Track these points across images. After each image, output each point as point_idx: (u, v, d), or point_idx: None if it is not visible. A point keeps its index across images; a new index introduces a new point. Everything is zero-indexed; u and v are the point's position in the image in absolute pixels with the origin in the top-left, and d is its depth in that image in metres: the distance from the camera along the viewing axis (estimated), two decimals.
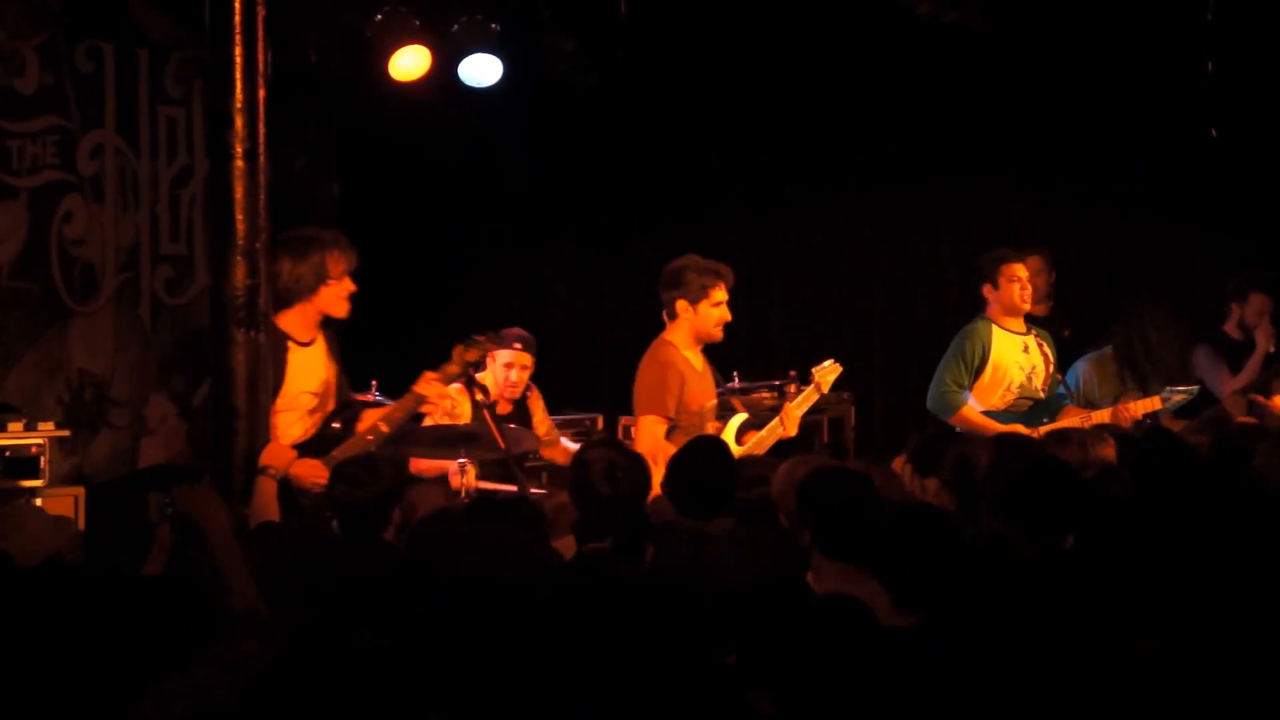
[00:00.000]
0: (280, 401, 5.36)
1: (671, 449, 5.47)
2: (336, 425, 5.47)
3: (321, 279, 5.38)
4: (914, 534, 3.62)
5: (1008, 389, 6.29)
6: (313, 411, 5.45)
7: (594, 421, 7.58)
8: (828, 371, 6.13)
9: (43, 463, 6.18)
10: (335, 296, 5.42)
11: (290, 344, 5.40)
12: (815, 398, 6.12)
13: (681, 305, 5.92)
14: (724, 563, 3.48)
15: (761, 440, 5.98)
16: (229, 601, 3.54)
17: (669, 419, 5.83)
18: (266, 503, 4.75)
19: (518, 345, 6.28)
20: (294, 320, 5.43)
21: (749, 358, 7.39)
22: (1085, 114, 7.55)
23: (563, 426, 6.96)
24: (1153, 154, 7.47)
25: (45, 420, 6.42)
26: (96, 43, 7.08)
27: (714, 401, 6.03)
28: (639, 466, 4.30)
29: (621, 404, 7.81)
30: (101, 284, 7.17)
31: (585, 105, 7.83)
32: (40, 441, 6.22)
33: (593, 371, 8.43)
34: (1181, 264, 7.78)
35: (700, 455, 4.43)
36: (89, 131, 7.07)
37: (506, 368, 6.27)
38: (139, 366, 7.31)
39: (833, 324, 7.92)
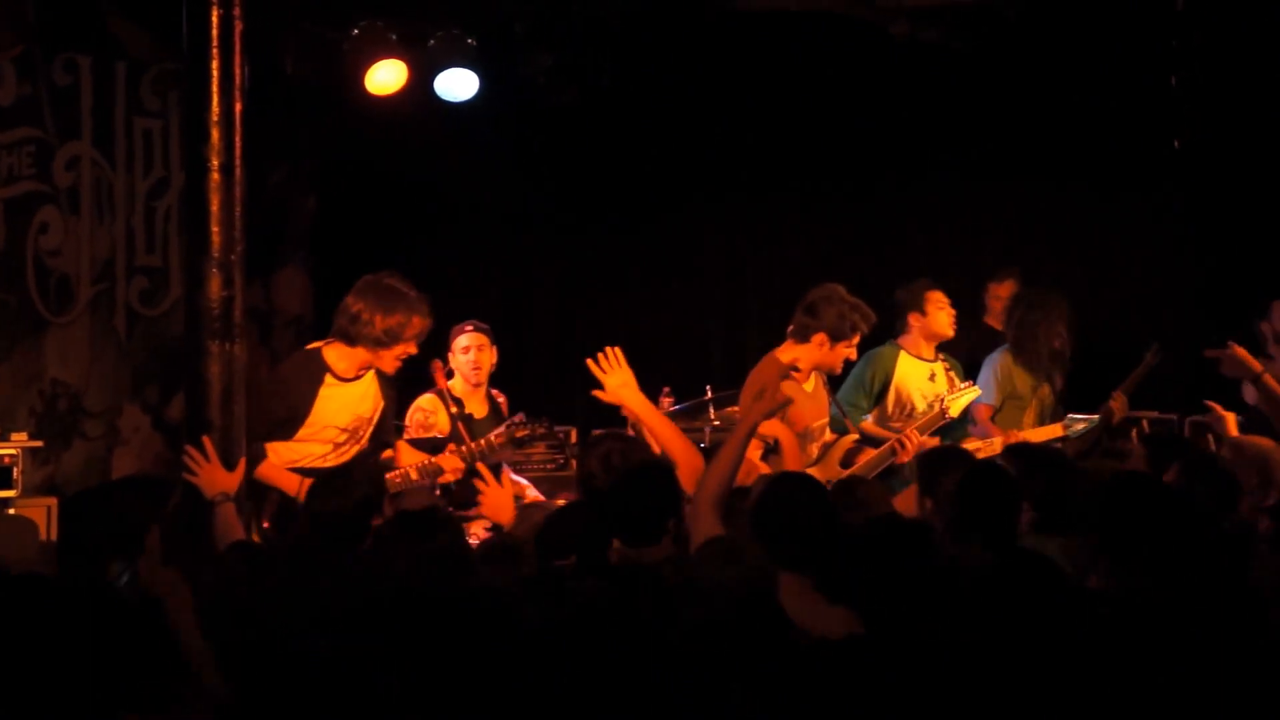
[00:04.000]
0: (304, 431, 5.34)
1: (765, 469, 5.47)
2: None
3: (397, 339, 5.37)
4: (877, 549, 3.64)
5: (909, 415, 6.40)
6: (339, 445, 5.43)
7: (567, 434, 7.59)
8: (961, 395, 6.12)
9: (16, 473, 6.19)
10: (396, 357, 5.42)
11: (328, 377, 5.39)
12: (941, 421, 6.07)
13: (819, 339, 5.89)
14: (702, 574, 3.48)
15: (872, 463, 5.92)
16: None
17: (768, 442, 5.76)
18: (230, 525, 4.74)
19: (470, 328, 6.26)
20: (344, 356, 5.41)
21: (725, 370, 7.41)
22: (1060, 131, 7.62)
23: (538, 439, 6.97)
24: (1124, 170, 7.54)
25: (19, 431, 6.43)
26: (73, 55, 7.09)
27: (822, 422, 6.00)
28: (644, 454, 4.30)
29: (597, 417, 7.84)
30: (76, 295, 7.17)
31: (562, 119, 7.86)
32: (13, 452, 6.23)
33: (568, 385, 8.44)
34: (1154, 278, 7.86)
35: (642, 482, 4.27)
36: (65, 143, 7.08)
37: (465, 351, 6.26)
38: (113, 377, 7.31)
39: None
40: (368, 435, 5.49)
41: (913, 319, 6.48)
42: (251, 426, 5.19)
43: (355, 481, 4.33)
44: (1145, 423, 6.64)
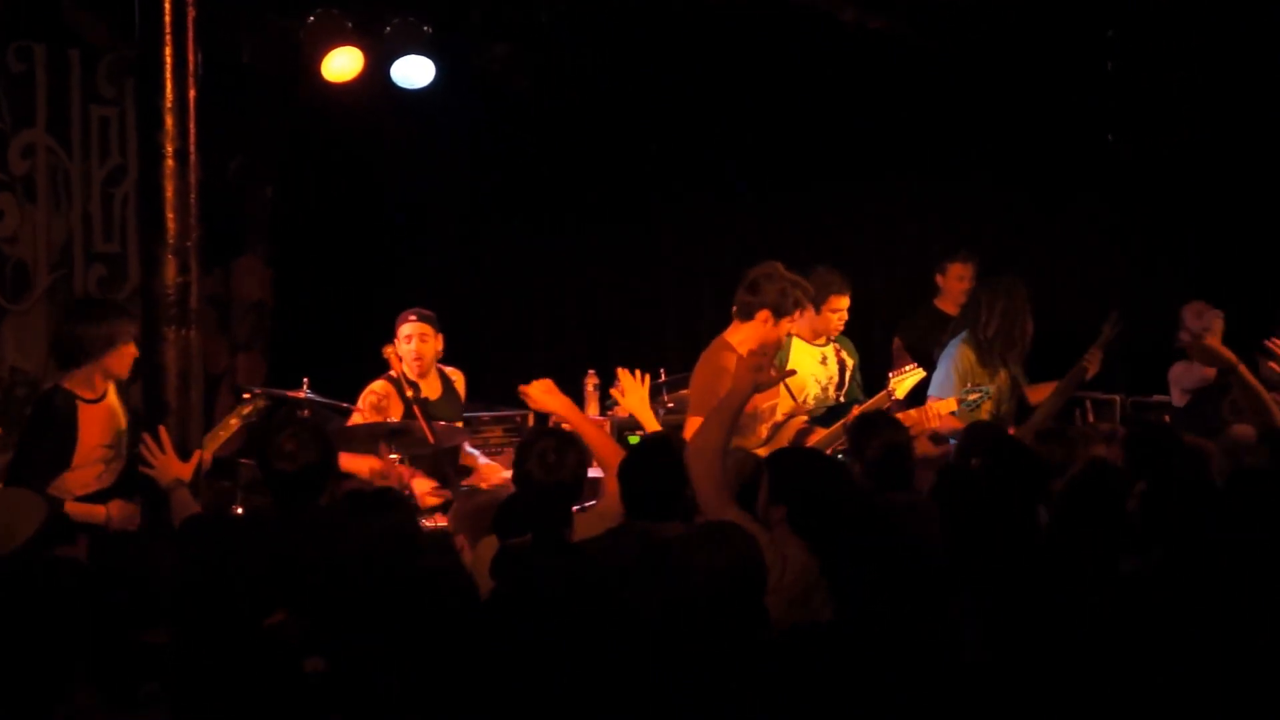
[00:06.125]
0: (77, 459, 5.42)
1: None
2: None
3: (111, 344, 5.46)
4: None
5: (804, 401, 6.41)
6: (109, 461, 5.53)
7: (524, 419, 7.65)
8: (906, 377, 6.12)
9: None
10: (122, 358, 5.50)
11: (79, 402, 5.47)
12: (887, 404, 6.06)
13: (764, 315, 5.89)
14: (689, 562, 3.48)
15: (822, 443, 5.95)
16: None
17: None
18: (186, 505, 4.83)
19: (413, 317, 6.33)
20: (80, 379, 5.49)
21: (678, 354, 7.49)
22: (1007, 119, 7.70)
23: (493, 423, 7.05)
24: (1065, 155, 7.63)
25: None
26: (27, 43, 7.09)
27: (772, 402, 6.01)
28: (577, 453, 4.42)
29: None
30: (34, 282, 7.18)
31: (518, 106, 7.91)
32: None
33: (525, 369, 8.48)
34: (1101, 268, 7.96)
35: (650, 456, 4.42)
36: (20, 131, 7.08)
37: (407, 340, 6.33)
38: None
39: None
40: (125, 447, 5.58)
41: (807, 309, 6.30)
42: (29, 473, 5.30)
43: (312, 442, 4.42)
44: (1089, 403, 6.73)
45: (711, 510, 4.12)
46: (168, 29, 5.23)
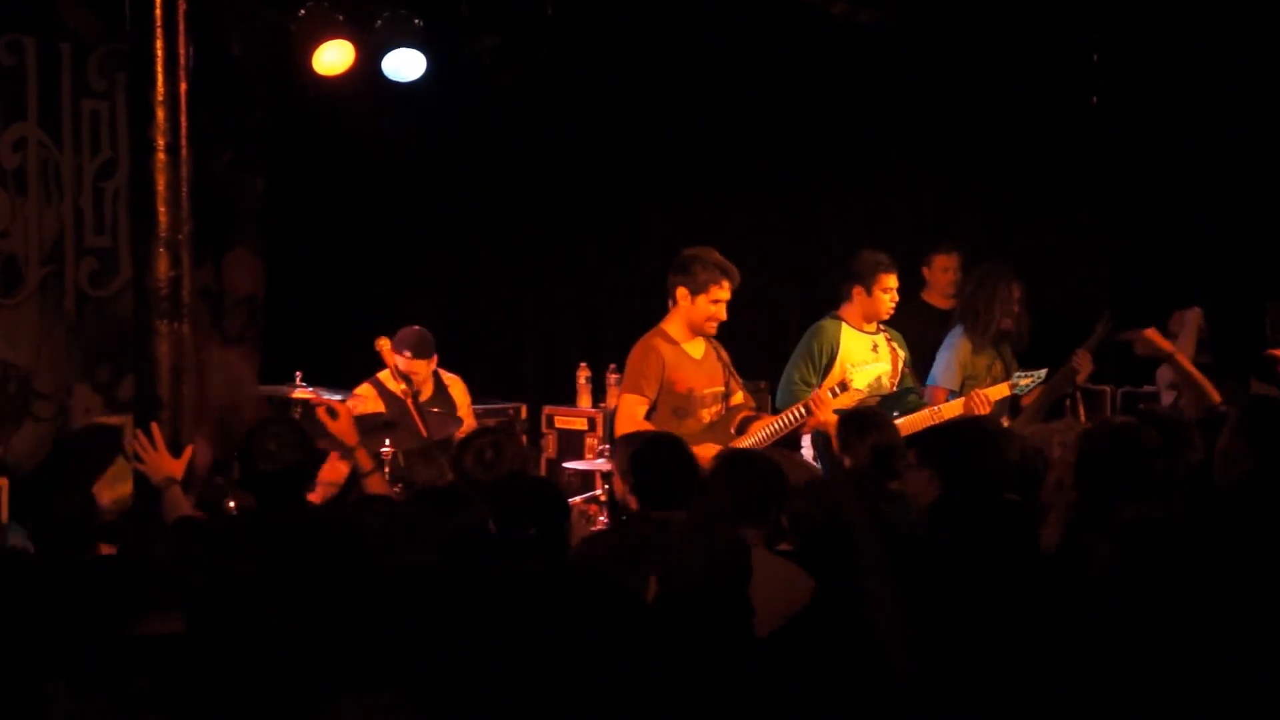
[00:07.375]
0: None
1: (649, 428, 5.65)
2: None
3: None
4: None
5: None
6: None
7: (517, 411, 7.67)
8: (869, 369, 6.13)
9: None
10: None
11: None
12: (842, 393, 6.02)
13: (682, 293, 5.97)
14: (679, 555, 3.48)
15: (775, 428, 5.95)
16: None
17: (647, 399, 5.90)
18: (177, 504, 4.83)
19: (408, 354, 6.32)
20: None
21: None
22: (994, 113, 7.70)
23: (485, 416, 7.06)
24: (1057, 151, 7.64)
25: None
26: (18, 36, 7.09)
27: (715, 389, 6.03)
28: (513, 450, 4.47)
29: (544, 394, 7.93)
30: (25, 276, 7.19)
31: (509, 100, 7.92)
32: None
33: (517, 362, 8.52)
34: (1090, 259, 7.97)
35: (663, 450, 4.46)
36: (11, 124, 7.09)
37: (402, 368, 6.33)
38: (63, 358, 7.34)
39: (753, 314, 8.04)
40: None
41: (857, 293, 6.44)
42: None
43: (295, 437, 4.42)
44: (1079, 394, 6.74)
45: None
46: (159, 22, 5.22)
